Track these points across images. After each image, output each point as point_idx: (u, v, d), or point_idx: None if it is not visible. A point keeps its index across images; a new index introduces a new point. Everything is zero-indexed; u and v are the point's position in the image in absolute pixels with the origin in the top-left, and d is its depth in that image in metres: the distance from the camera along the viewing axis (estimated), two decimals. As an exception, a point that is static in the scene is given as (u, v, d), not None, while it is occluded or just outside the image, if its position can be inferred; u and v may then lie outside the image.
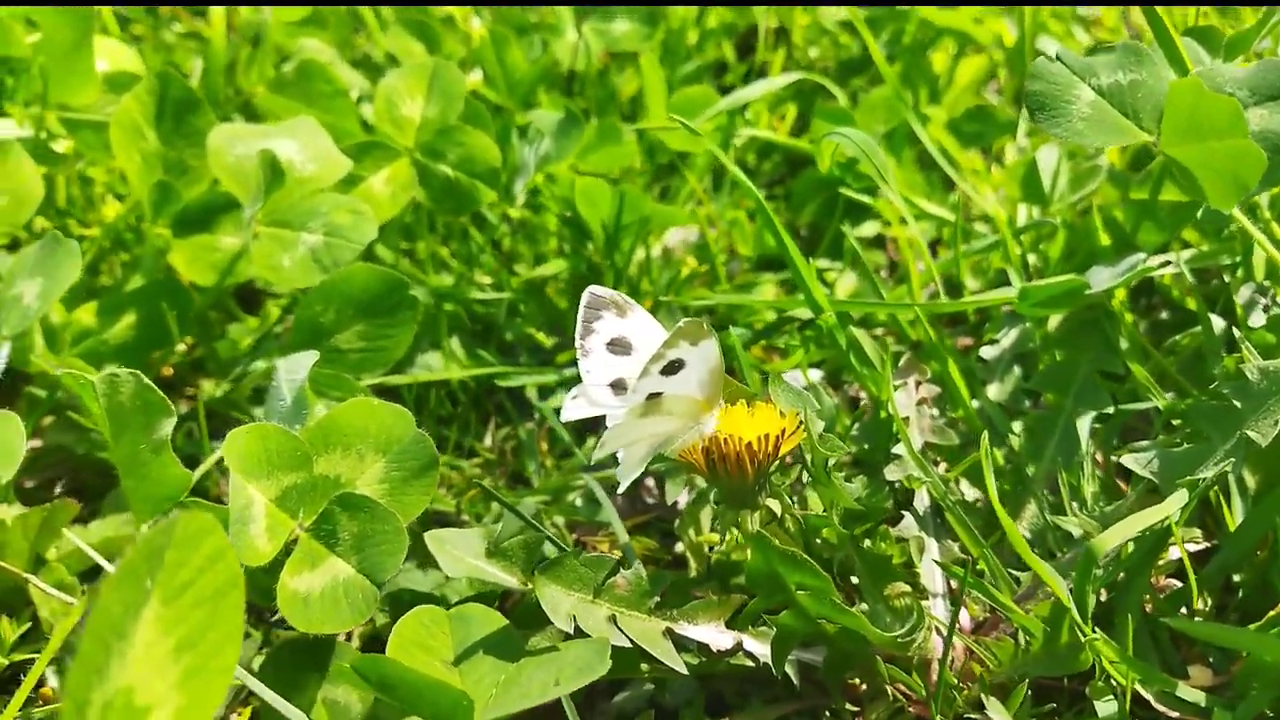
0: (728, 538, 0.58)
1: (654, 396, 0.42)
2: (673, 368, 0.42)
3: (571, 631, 0.43)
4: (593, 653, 0.41)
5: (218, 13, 0.81)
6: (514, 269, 0.80)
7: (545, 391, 0.72)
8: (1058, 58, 0.48)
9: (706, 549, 0.58)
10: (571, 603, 0.44)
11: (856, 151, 0.63)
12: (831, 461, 0.48)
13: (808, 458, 0.48)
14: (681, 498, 0.66)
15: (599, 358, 0.46)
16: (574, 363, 0.74)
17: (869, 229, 0.86)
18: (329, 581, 0.44)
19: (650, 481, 0.69)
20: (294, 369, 0.53)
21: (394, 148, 0.71)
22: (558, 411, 0.69)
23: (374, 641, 0.55)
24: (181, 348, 0.64)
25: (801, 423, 0.45)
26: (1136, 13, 0.98)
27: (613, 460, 0.69)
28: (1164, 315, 0.65)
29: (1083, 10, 1.02)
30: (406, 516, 0.47)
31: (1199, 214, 0.60)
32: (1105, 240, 0.62)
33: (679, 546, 0.63)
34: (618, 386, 0.46)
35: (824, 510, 0.49)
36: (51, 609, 0.56)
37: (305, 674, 0.45)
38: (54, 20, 0.70)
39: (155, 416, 0.45)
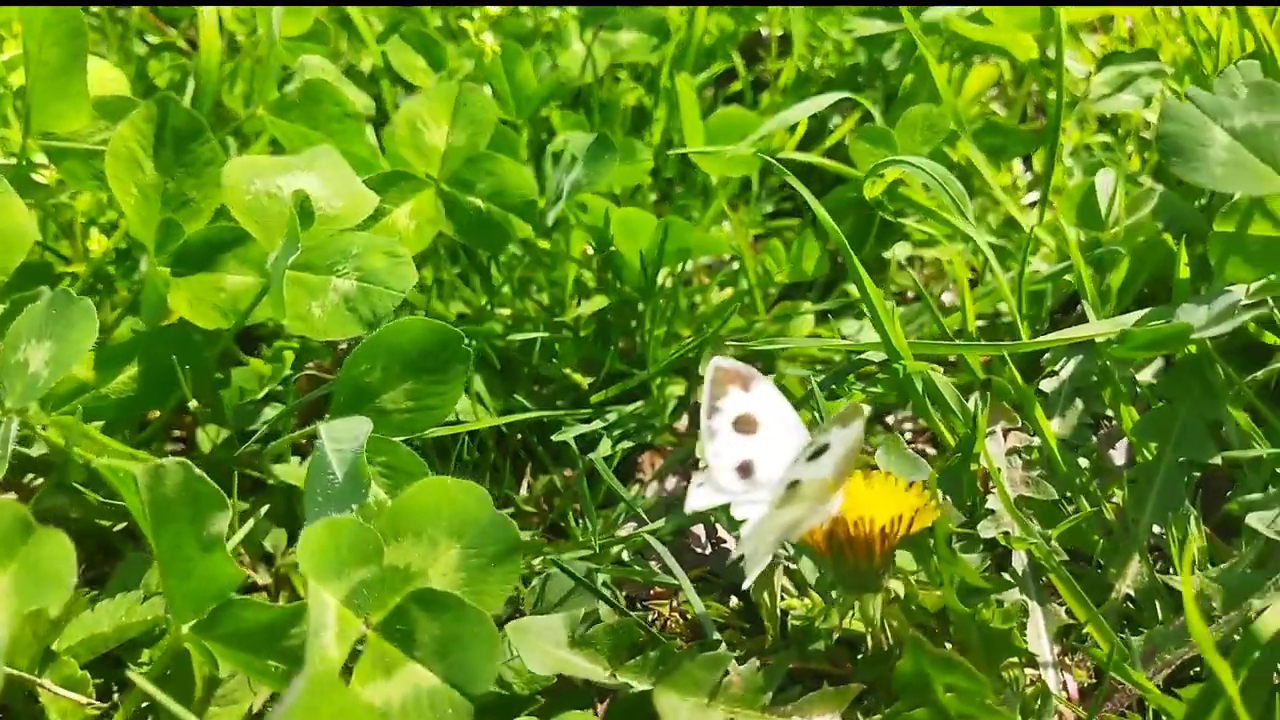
0: (806, 603, 0.54)
1: (794, 484, 0.38)
2: (817, 453, 0.38)
3: (694, 744, 0.39)
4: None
5: (209, 25, 0.74)
6: (535, 300, 0.75)
7: (582, 437, 0.67)
8: (1189, 97, 0.45)
9: (779, 614, 0.54)
10: (687, 710, 0.39)
11: (930, 181, 0.59)
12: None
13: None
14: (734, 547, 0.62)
15: (725, 439, 0.42)
16: (611, 401, 0.70)
17: (901, 250, 0.83)
18: (410, 693, 0.39)
19: (699, 530, 0.65)
20: (340, 437, 0.48)
21: (419, 178, 0.65)
22: (608, 460, 0.64)
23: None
24: (194, 404, 0.58)
25: (931, 499, 0.41)
26: (1127, 18, 0.96)
27: (658, 509, 0.65)
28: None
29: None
30: (487, 610, 0.42)
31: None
32: (1184, 273, 0.59)
33: (733, 600, 0.59)
34: (744, 470, 0.42)
35: (941, 585, 0.45)
36: (61, 709, 0.50)
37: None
38: (41, 36, 0.63)
39: (206, 510, 0.40)
